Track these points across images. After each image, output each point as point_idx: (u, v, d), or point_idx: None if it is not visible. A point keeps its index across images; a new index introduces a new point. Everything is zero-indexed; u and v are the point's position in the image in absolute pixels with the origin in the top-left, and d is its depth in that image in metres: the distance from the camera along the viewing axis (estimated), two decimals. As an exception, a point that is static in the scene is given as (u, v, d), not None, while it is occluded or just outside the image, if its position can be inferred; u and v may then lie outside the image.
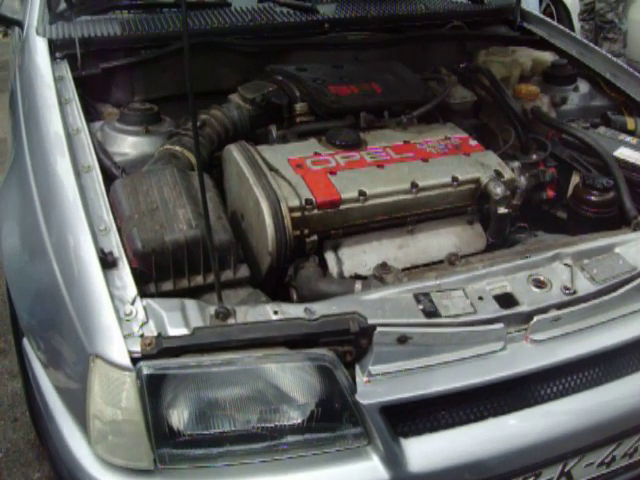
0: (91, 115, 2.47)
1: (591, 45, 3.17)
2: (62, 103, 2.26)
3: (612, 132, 2.68)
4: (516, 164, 2.33)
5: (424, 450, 1.70)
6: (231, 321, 1.62)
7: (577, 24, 7.06)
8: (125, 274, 1.70)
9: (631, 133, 2.72)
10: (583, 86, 3.05)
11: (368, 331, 1.63)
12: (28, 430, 2.75)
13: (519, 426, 1.78)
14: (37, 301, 1.97)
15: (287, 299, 1.98)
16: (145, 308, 1.62)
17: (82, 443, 1.69)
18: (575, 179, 2.52)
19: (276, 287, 2.03)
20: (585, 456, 1.91)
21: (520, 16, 3.41)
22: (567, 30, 3.34)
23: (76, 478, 1.69)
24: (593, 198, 2.34)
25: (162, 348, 1.54)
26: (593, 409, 1.85)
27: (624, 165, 2.46)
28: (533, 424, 1.79)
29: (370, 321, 1.65)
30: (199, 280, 1.81)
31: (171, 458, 1.61)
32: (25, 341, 2.03)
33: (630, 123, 2.78)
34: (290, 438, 1.66)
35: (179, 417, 1.60)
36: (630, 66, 3.01)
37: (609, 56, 3.08)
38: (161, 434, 1.59)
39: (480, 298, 1.78)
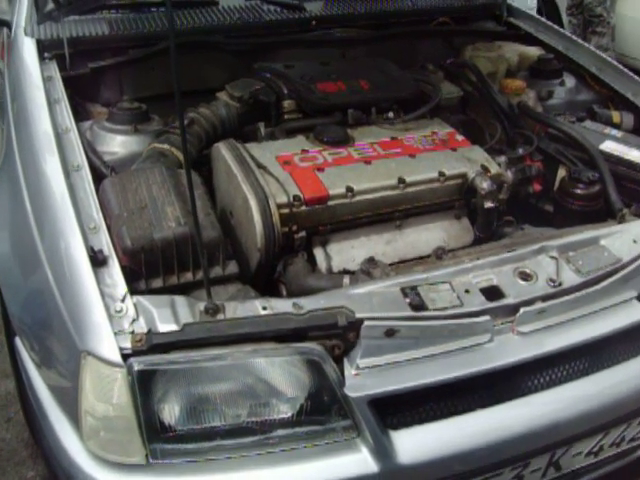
0: (80, 115, 2.47)
1: (577, 39, 3.19)
2: (51, 103, 2.26)
3: (598, 126, 2.69)
4: (502, 159, 2.35)
5: (413, 442, 1.73)
6: (220, 317, 1.63)
7: (565, 18, 7.07)
8: (115, 272, 1.71)
9: (616, 126, 2.74)
10: (569, 80, 3.07)
11: (356, 325, 1.65)
12: (22, 429, 2.75)
13: (507, 417, 1.81)
14: (29, 300, 1.99)
15: (277, 295, 1.99)
16: (135, 305, 1.64)
17: (75, 440, 1.70)
18: (562, 173, 2.53)
19: (266, 283, 2.04)
20: (573, 446, 1.94)
21: (507, 11, 3.42)
22: (553, 25, 3.35)
23: (69, 475, 1.71)
24: (579, 191, 2.36)
25: (152, 344, 1.56)
26: (579, 399, 1.88)
27: (610, 158, 2.48)
28: (520, 415, 1.81)
29: (358, 315, 1.67)
30: (188, 277, 1.83)
31: (163, 453, 1.63)
32: (17, 340, 2.04)
33: (615, 117, 2.80)
34: (280, 432, 1.68)
35: (170, 412, 1.62)
36: (618, 60, 3.03)
37: (595, 50, 3.10)
38: (153, 429, 1.61)
39: (467, 291, 1.80)
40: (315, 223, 2.07)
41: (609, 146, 2.54)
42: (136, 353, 1.56)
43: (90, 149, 2.19)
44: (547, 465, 1.94)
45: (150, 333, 1.58)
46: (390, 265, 2.02)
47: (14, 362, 2.21)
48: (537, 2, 6.71)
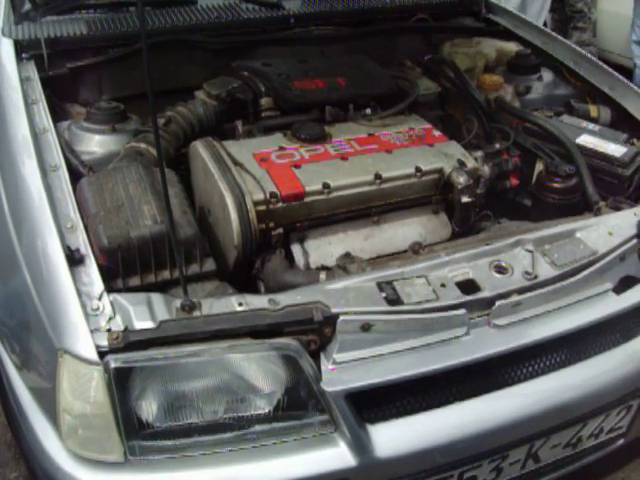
0: (59, 115, 2.48)
1: (554, 35, 3.20)
2: (29, 104, 2.26)
3: (575, 120, 2.72)
4: (479, 153, 2.36)
5: (391, 435, 1.74)
6: (197, 313, 1.64)
7: (548, 14, 7.09)
8: (92, 270, 1.72)
9: (594, 120, 2.76)
10: (547, 75, 3.09)
11: (331, 320, 1.66)
12: (4, 431, 2.74)
13: (484, 409, 1.82)
14: (7, 301, 1.98)
15: (255, 292, 1.99)
16: (112, 303, 1.64)
17: (54, 439, 1.70)
18: (539, 167, 2.55)
19: (245, 280, 2.05)
20: (551, 437, 1.95)
21: (485, 7, 3.44)
22: (531, 20, 3.37)
23: (49, 474, 1.71)
24: (556, 185, 2.38)
25: (129, 341, 1.56)
26: (557, 391, 1.89)
27: (587, 152, 2.50)
28: (498, 407, 1.83)
29: (333, 310, 1.68)
30: (166, 275, 1.84)
31: (141, 450, 1.63)
32: (-5, 340, 2.04)
33: (593, 111, 2.82)
34: (258, 427, 1.69)
35: (148, 409, 1.63)
36: (599, 55, 3.05)
37: (572, 45, 3.12)
38: (131, 426, 1.61)
39: (442, 285, 1.81)
40: (292, 220, 2.08)
41: (586, 140, 2.55)
42: (113, 351, 1.56)
43: (68, 149, 2.19)
44: (526, 457, 1.96)
45: (127, 331, 1.58)
46: (367, 261, 2.03)
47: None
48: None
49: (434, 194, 2.27)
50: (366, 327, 1.68)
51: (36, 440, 1.75)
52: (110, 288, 1.71)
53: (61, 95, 2.62)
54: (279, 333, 1.65)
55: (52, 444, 1.70)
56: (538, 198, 2.44)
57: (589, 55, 3.01)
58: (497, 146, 2.53)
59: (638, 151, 2.49)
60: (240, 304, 1.67)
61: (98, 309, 1.63)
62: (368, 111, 2.52)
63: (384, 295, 1.75)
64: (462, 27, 3.39)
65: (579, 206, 2.36)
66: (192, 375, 1.63)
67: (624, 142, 2.54)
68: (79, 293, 1.65)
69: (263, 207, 2.00)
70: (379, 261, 2.07)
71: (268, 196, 2.01)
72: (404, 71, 2.90)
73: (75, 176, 2.06)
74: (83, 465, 1.65)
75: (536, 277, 1.87)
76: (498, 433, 1.82)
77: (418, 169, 2.19)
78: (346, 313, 1.68)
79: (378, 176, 2.14)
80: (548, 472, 2.07)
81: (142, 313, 1.62)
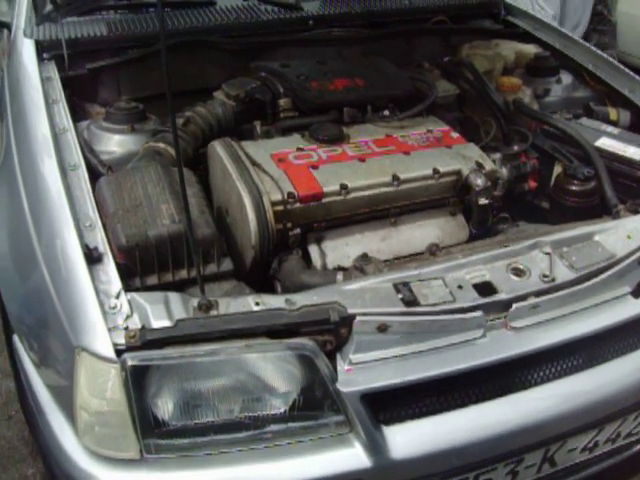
0: (79, 115, 2.50)
1: (574, 37, 3.19)
2: (49, 104, 2.29)
3: (594, 122, 2.70)
4: (497, 155, 2.36)
5: (406, 437, 1.73)
6: (213, 313, 1.64)
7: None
8: (110, 269, 1.73)
9: (613, 123, 2.74)
10: (566, 78, 3.07)
11: (348, 320, 1.66)
12: (22, 427, 2.76)
13: (500, 412, 1.81)
14: (26, 299, 2.00)
15: (272, 292, 2.00)
16: (129, 302, 1.65)
17: (71, 436, 1.71)
18: (557, 169, 2.54)
19: (262, 280, 2.05)
20: (567, 441, 1.94)
21: (504, 9, 3.43)
22: (550, 23, 3.36)
23: (65, 471, 1.72)
24: (574, 188, 2.36)
25: (146, 340, 1.56)
26: (573, 395, 1.88)
27: (606, 155, 2.48)
28: (514, 410, 1.82)
29: (350, 310, 1.67)
30: (183, 274, 1.85)
31: (157, 448, 1.64)
32: (15, 338, 2.05)
33: (612, 113, 2.80)
34: (273, 427, 1.69)
35: (164, 408, 1.63)
36: (620, 58, 3.03)
37: (591, 47, 3.11)
38: (147, 424, 1.62)
39: (459, 287, 1.81)
40: (309, 220, 2.09)
41: (605, 142, 2.54)
42: (130, 349, 1.56)
43: (87, 148, 2.21)
44: (542, 461, 1.95)
45: (144, 329, 1.59)
46: (384, 262, 2.03)
47: (13, 360, 2.23)
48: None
49: (452, 196, 2.27)
50: (382, 328, 1.68)
51: (53, 437, 1.76)
52: (128, 287, 1.72)
53: (81, 95, 2.65)
54: (295, 333, 1.65)
55: (69, 441, 1.71)
56: (556, 201, 2.43)
57: (609, 58, 2.99)
58: (515, 148, 2.53)
59: (658, 154, 2.47)
60: (257, 304, 1.68)
61: (116, 307, 1.64)
62: (386, 112, 2.52)
63: (401, 296, 1.75)
64: (481, 29, 3.39)
65: (597, 209, 2.35)
66: (208, 374, 1.64)
67: (643, 145, 2.52)
68: (97, 291, 1.66)
69: (281, 207, 2.01)
70: (396, 262, 2.07)
71: (286, 196, 2.02)
72: (422, 73, 2.90)
73: (94, 175, 2.08)
74: (99, 462, 1.66)
75: (554, 280, 1.86)
76: (514, 436, 1.81)
77: (436, 171, 2.19)
78: (363, 314, 1.68)
79: (396, 177, 2.14)
80: (564, 476, 2.05)
81: (159, 312, 1.63)
